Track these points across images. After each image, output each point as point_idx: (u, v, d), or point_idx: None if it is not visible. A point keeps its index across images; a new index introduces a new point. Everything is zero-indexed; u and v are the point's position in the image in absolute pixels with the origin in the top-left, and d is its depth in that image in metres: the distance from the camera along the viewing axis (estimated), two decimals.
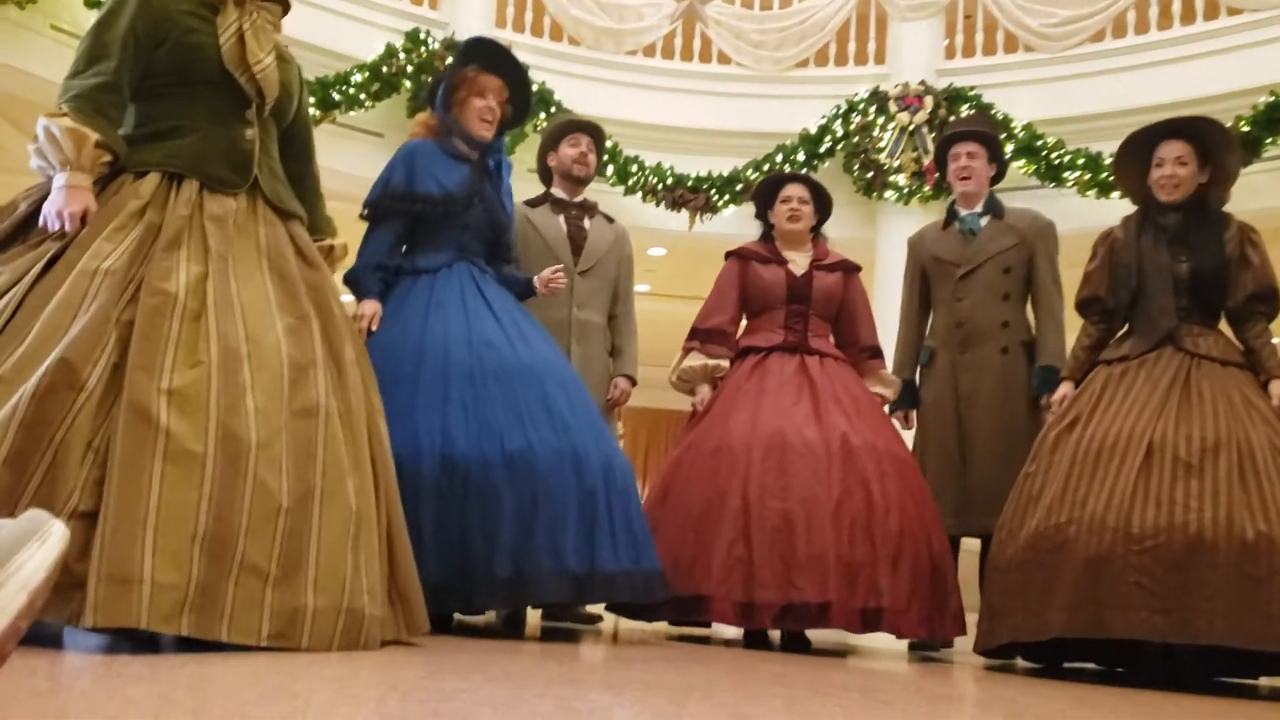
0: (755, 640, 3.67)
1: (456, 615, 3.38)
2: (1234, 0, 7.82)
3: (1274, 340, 3.43)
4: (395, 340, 3.23)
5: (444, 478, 3.00)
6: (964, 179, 4.25)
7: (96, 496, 2.04)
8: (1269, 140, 7.09)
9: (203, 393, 2.19)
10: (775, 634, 3.79)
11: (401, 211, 3.41)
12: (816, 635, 3.93)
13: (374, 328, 3.24)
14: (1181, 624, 2.90)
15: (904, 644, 4.15)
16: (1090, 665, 3.60)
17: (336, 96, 7.81)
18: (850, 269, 4.07)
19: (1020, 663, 3.65)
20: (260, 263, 2.51)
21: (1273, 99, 7.10)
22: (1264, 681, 3.47)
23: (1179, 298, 3.42)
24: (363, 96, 7.93)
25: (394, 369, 3.13)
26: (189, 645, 2.08)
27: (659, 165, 8.60)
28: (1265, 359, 3.35)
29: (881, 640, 4.32)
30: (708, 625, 4.12)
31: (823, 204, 4.09)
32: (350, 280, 3.39)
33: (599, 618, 4.28)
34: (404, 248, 3.49)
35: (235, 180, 2.54)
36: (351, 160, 7.31)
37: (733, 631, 4.13)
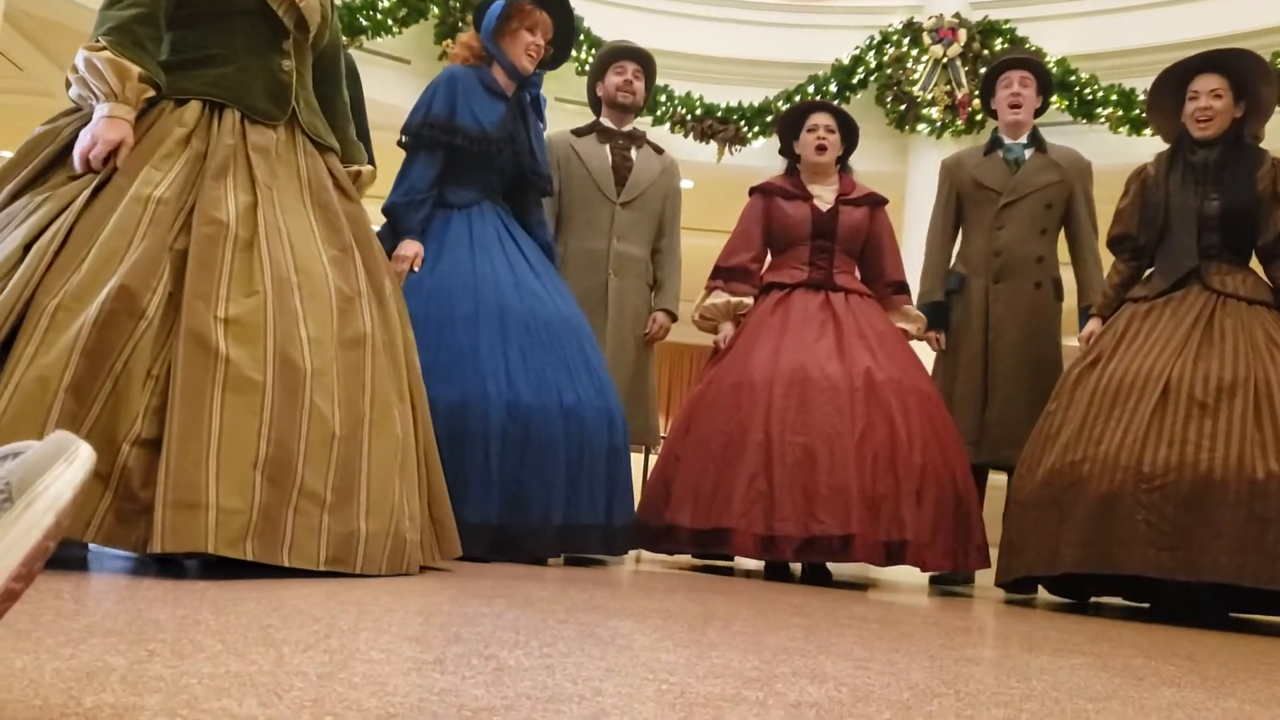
0: (776, 573, 3.71)
1: None
2: None
3: None
4: (446, 277, 3.27)
5: (510, 424, 3.09)
6: (1015, 107, 4.20)
7: (158, 424, 2.06)
8: None
9: (260, 321, 2.22)
10: (796, 567, 3.83)
11: (442, 143, 3.40)
12: (837, 569, 3.97)
13: (416, 268, 3.26)
14: (1187, 562, 2.92)
15: (925, 579, 4.18)
16: (1114, 600, 3.62)
17: (364, 22, 7.75)
18: (877, 202, 4.03)
19: (1043, 596, 3.68)
20: (302, 195, 2.52)
21: None
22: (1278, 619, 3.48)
23: (1209, 235, 3.40)
24: (390, 22, 7.86)
25: (450, 307, 3.19)
26: (211, 571, 2.13)
27: (688, 95, 8.50)
28: None
29: (903, 574, 4.36)
30: (729, 558, 4.17)
31: (850, 134, 4.04)
32: (391, 213, 3.39)
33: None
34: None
35: (275, 112, 2.54)
36: (377, 87, 7.25)
37: (754, 565, 4.17)
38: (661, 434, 4.76)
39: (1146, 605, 3.57)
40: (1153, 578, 3.19)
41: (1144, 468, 3.00)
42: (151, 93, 2.39)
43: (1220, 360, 3.12)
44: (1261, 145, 3.49)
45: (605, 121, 4.41)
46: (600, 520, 3.27)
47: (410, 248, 3.27)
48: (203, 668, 1.07)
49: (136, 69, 2.34)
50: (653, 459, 6.44)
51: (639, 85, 4.40)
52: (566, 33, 3.65)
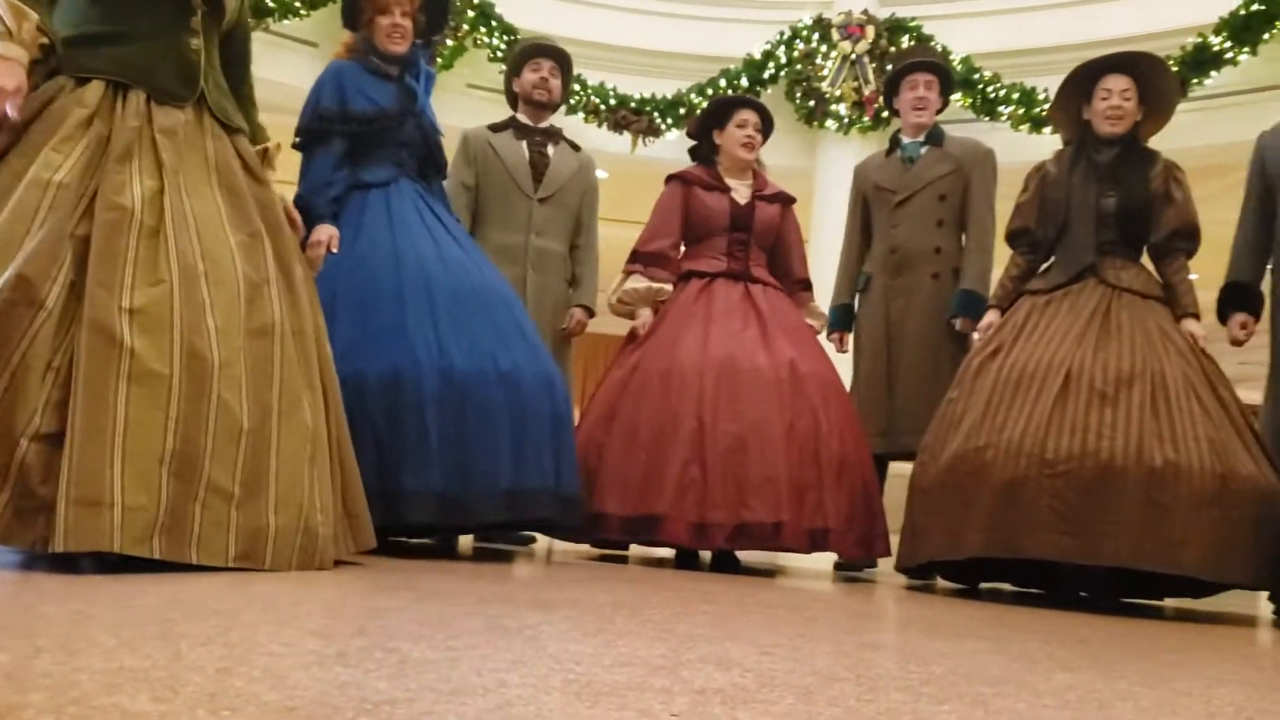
0: (685, 561, 3.74)
1: (390, 537, 3.40)
2: None
3: (1191, 277, 3.54)
4: (366, 255, 3.22)
5: (446, 391, 3.05)
6: (919, 109, 4.27)
7: (59, 418, 2.00)
8: (1195, 80, 7.20)
9: (165, 312, 2.16)
10: (706, 556, 3.85)
11: (338, 132, 3.36)
12: (745, 556, 4.01)
13: (334, 249, 3.21)
14: (1089, 546, 3.02)
15: (830, 565, 4.25)
16: (1007, 586, 3.72)
17: (270, 3, 7.58)
18: (787, 200, 4.09)
19: (940, 583, 3.76)
20: (210, 178, 2.46)
21: (1200, 40, 7.19)
22: (1169, 602, 3.61)
23: (1106, 231, 3.50)
24: (297, 4, 7.71)
25: (373, 284, 3.15)
26: (109, 567, 2.07)
27: (601, 85, 8.50)
28: (1182, 295, 3.47)
29: (809, 561, 4.42)
30: (658, 545, 4.18)
31: (767, 132, 4.08)
32: (300, 205, 3.34)
33: (533, 539, 4.33)
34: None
35: (183, 92, 2.46)
36: (285, 70, 7.14)
37: (665, 553, 4.19)
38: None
39: (1036, 591, 3.67)
40: (1048, 562, 3.29)
41: (1047, 454, 3.08)
42: (46, 41, 2.29)
43: (1119, 352, 3.23)
44: (1152, 147, 3.61)
45: (521, 118, 4.40)
46: (550, 484, 3.20)
47: (324, 232, 3.22)
48: (94, 663, 1.04)
49: (35, 16, 2.25)
50: None
51: (555, 83, 4.39)
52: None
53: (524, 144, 4.34)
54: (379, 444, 2.95)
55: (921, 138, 4.29)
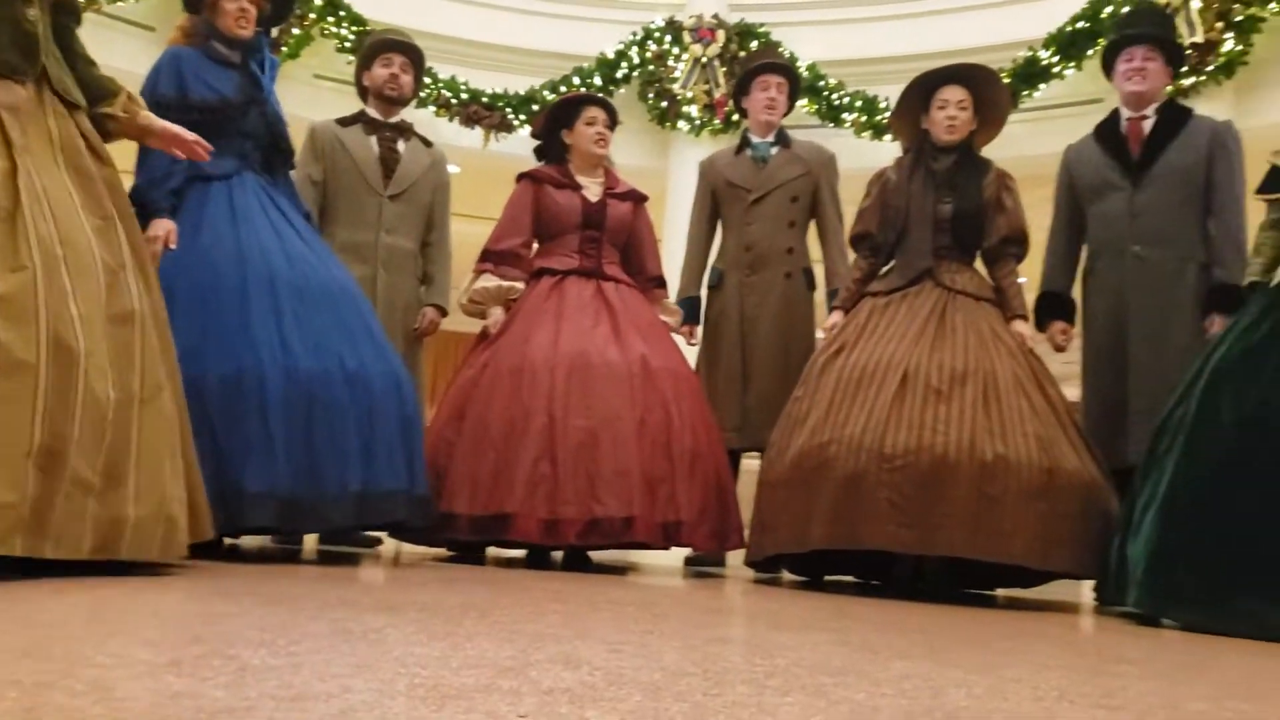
0: (536, 560, 3.73)
1: (226, 540, 3.29)
2: None
3: (1020, 280, 3.73)
4: (208, 250, 3.10)
5: (291, 391, 2.97)
6: (770, 109, 4.36)
7: None
8: (1026, 92, 7.55)
9: (29, 299, 2.05)
10: (557, 555, 3.85)
11: (177, 122, 3.23)
12: (597, 555, 4.02)
13: (172, 245, 3.07)
14: (925, 538, 3.15)
15: (680, 561, 4.30)
16: (850, 579, 3.83)
17: None
18: (639, 198, 4.11)
19: (787, 576, 3.85)
20: (56, 158, 2.33)
21: (1030, 54, 7.55)
22: (1001, 592, 3.78)
23: (941, 236, 3.66)
24: None
25: (215, 280, 3.04)
26: None
27: (453, 79, 8.40)
28: (1012, 297, 3.66)
29: (660, 557, 4.46)
30: (509, 545, 4.15)
31: (612, 129, 4.10)
32: (137, 199, 3.18)
33: (379, 540, 4.25)
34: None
35: (23, 66, 2.32)
36: (119, 55, 6.80)
37: (517, 554, 4.17)
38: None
39: (876, 582, 3.79)
40: (888, 554, 3.41)
41: (886, 449, 3.19)
42: None
43: (953, 351, 3.37)
44: (985, 156, 3.77)
45: (371, 112, 4.30)
46: (403, 486, 3.16)
47: (161, 226, 3.08)
48: None
49: None
50: None
51: (407, 79, 4.31)
52: None
53: (373, 139, 4.25)
54: (217, 446, 2.83)
55: (771, 138, 4.38)
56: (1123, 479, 3.35)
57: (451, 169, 4.63)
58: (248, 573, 2.57)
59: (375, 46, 4.35)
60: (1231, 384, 2.97)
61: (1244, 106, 6.68)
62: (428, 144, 4.41)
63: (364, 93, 4.36)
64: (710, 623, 2.17)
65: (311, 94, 7.65)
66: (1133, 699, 1.56)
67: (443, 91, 8.34)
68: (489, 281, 3.90)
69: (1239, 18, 6.86)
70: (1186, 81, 6.87)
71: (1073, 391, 3.85)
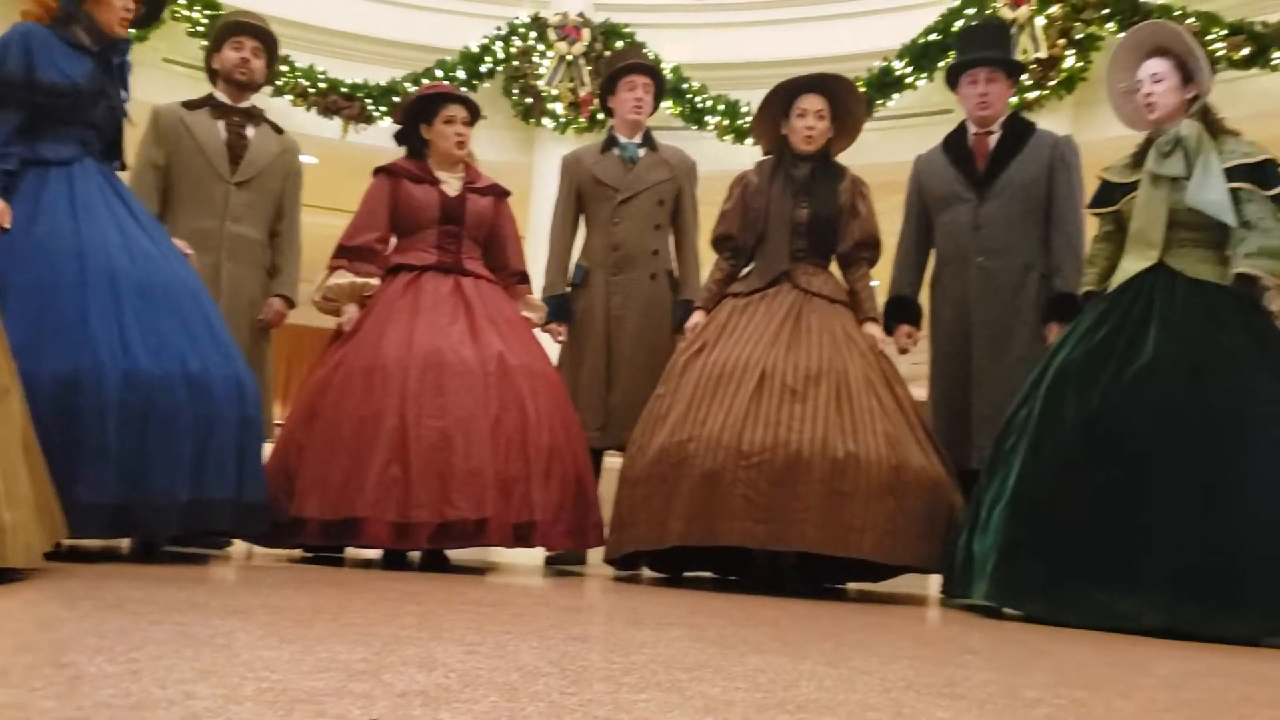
0: (394, 561, 3.66)
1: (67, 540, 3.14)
2: None
3: (873, 283, 3.85)
4: (45, 241, 2.95)
5: (129, 395, 2.85)
6: (637, 109, 4.37)
7: None
8: (880, 101, 7.78)
9: None
10: (415, 555, 3.79)
11: (18, 100, 3.06)
12: (456, 553, 3.98)
13: (6, 225, 2.91)
14: (779, 533, 3.23)
15: (541, 560, 4.29)
16: (708, 575, 3.88)
17: None
18: (501, 193, 4.07)
19: (646, 573, 3.88)
20: None
21: (885, 64, 7.78)
22: (852, 586, 3.88)
23: (798, 240, 3.75)
24: None
25: (52, 274, 2.89)
26: None
27: (311, 68, 8.19)
28: (864, 300, 3.78)
29: (520, 556, 4.44)
30: (362, 547, 4.07)
31: (473, 125, 4.05)
32: None
33: (229, 541, 4.11)
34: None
35: None
36: None
37: (373, 554, 4.09)
38: (277, 422, 4.55)
39: (733, 578, 3.86)
40: (745, 551, 3.48)
41: (743, 447, 3.26)
42: None
43: (808, 352, 3.46)
44: (841, 163, 3.87)
45: (220, 96, 4.16)
46: (231, 494, 3.06)
47: None
48: None
49: None
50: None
51: (258, 64, 4.18)
52: None
53: (221, 124, 4.10)
54: (49, 451, 2.68)
55: (638, 139, 4.41)
56: (967, 482, 3.48)
57: (309, 160, 4.52)
58: (90, 574, 2.45)
59: (226, 28, 4.21)
60: (1074, 385, 3.12)
61: (1083, 121, 7.01)
62: (278, 130, 4.29)
63: (213, 76, 4.22)
64: (568, 621, 2.17)
65: (162, 79, 7.34)
66: (974, 688, 1.63)
67: (300, 80, 8.12)
68: (343, 278, 3.81)
69: (1079, 35, 7.20)
70: (1030, 95, 7.17)
71: (920, 391, 4.00)
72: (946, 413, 3.96)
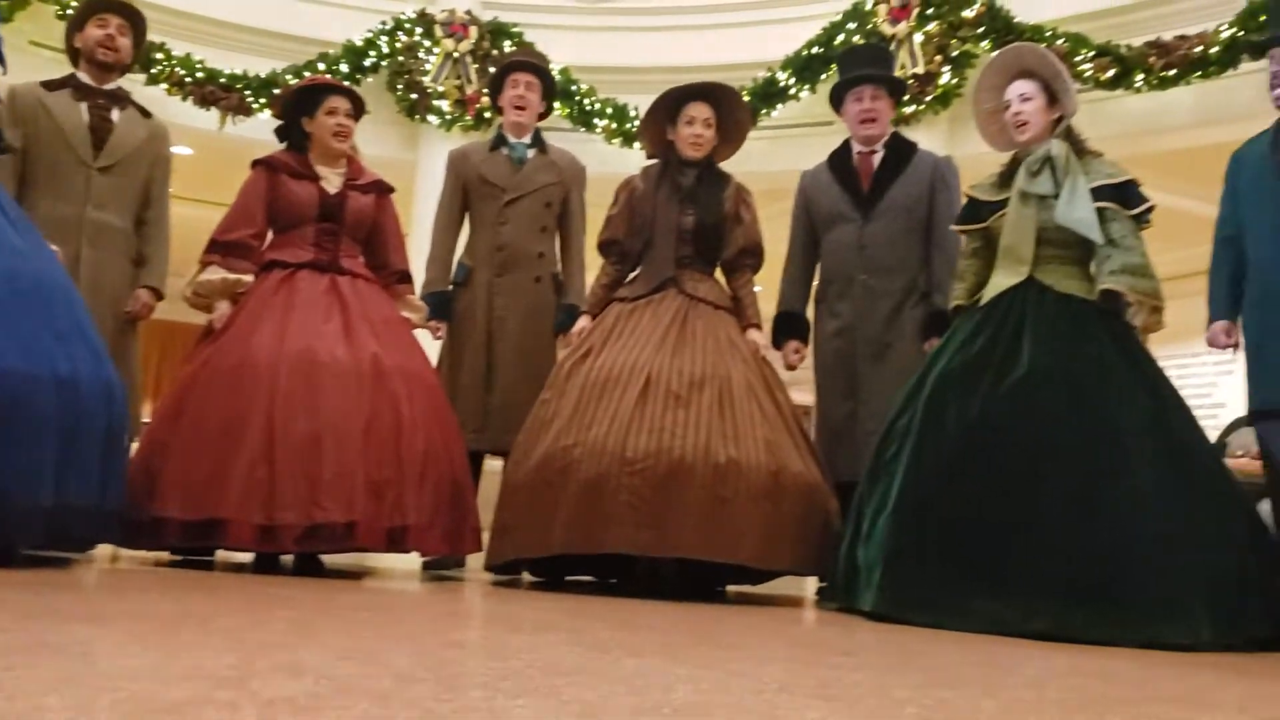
0: (265, 565, 3.57)
1: None
2: None
3: (756, 289, 3.90)
4: None
5: None
6: (520, 108, 4.34)
7: None
8: (764, 111, 7.91)
9: None
10: (288, 559, 3.70)
11: None
12: (333, 558, 3.90)
13: None
14: (662, 539, 3.25)
15: (418, 565, 4.23)
16: (589, 579, 3.88)
17: None
18: (384, 189, 3.99)
19: (526, 577, 3.86)
20: None
21: (769, 75, 7.91)
22: (731, 588, 3.92)
23: (684, 246, 3.78)
24: None
25: None
26: None
27: (188, 57, 7.94)
28: (747, 306, 3.83)
29: (398, 561, 4.37)
30: (229, 549, 3.95)
31: (360, 117, 3.98)
32: None
33: (93, 544, 3.95)
34: None
35: None
36: None
37: (245, 557, 3.98)
38: (146, 420, 4.40)
39: (614, 581, 3.86)
40: (627, 555, 3.48)
41: (627, 453, 3.27)
42: None
43: (692, 358, 3.49)
44: (725, 170, 3.91)
45: (82, 77, 3.99)
46: (95, 501, 2.95)
47: None
48: None
49: None
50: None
51: (124, 43, 4.02)
52: None
53: (83, 106, 3.93)
54: None
55: (527, 139, 4.38)
56: (850, 494, 3.53)
57: (184, 151, 4.38)
58: None
59: (90, 5, 4.03)
60: (954, 394, 3.20)
61: (957, 136, 7.22)
62: (146, 114, 4.13)
63: (75, 56, 4.04)
64: (445, 627, 2.14)
65: (29, 62, 7.02)
66: (846, 689, 1.66)
67: (177, 69, 7.87)
68: (215, 274, 3.69)
69: (955, 53, 7.43)
70: (908, 110, 7.36)
71: (801, 396, 4.07)
72: (832, 428, 4.04)
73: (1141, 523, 2.93)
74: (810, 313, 4.22)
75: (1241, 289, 3.42)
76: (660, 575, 3.66)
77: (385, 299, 3.83)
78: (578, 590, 3.48)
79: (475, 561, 4.05)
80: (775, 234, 4.09)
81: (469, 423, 4.04)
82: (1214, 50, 6.64)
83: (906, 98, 7.23)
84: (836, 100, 4.20)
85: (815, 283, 4.23)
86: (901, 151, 4.11)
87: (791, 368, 4.11)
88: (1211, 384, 9.72)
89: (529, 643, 1.91)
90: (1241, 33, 6.50)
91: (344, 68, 8.16)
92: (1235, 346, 3.41)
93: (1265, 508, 3.68)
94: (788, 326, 4.15)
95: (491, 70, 4.87)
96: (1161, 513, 2.94)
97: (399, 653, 1.65)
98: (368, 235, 3.91)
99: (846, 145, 4.17)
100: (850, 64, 4.33)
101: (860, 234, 4.02)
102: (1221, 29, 6.60)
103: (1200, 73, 6.76)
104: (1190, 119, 7.11)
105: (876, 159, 4.09)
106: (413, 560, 4.22)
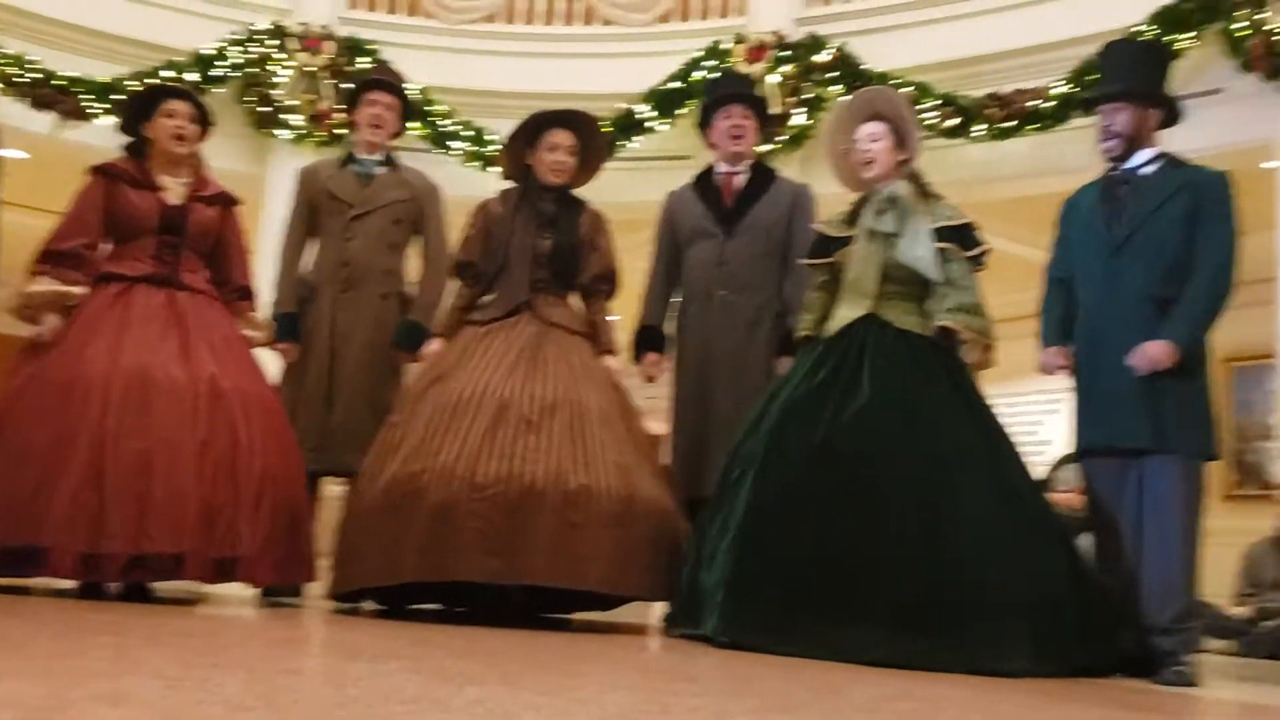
0: (90, 591, 3.39)
1: None
2: (607, 13, 8.73)
3: (613, 318, 3.93)
4: None
5: None
6: (375, 126, 4.28)
7: None
8: (622, 142, 8.00)
9: None
10: (115, 584, 3.53)
11: None
12: (163, 584, 3.73)
13: None
14: (511, 566, 3.21)
15: (256, 591, 4.08)
16: (434, 606, 3.81)
17: None
18: (229, 201, 3.86)
19: (368, 605, 3.76)
20: None
21: (628, 107, 8.00)
22: (578, 616, 3.91)
23: (540, 270, 3.77)
24: None
25: None
26: None
27: (20, 56, 7.57)
28: (602, 333, 3.85)
29: (234, 588, 4.21)
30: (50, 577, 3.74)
31: (207, 126, 3.85)
32: None
33: None
34: None
35: None
36: None
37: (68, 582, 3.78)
38: None
39: (460, 609, 3.80)
40: (473, 583, 3.43)
41: (477, 478, 3.22)
42: None
43: (544, 382, 3.48)
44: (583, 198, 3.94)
45: None
46: None
47: None
48: None
49: None
50: None
51: None
52: None
53: None
54: None
55: (378, 156, 4.32)
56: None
57: (17, 155, 4.16)
58: None
59: None
60: (798, 422, 3.29)
61: (808, 176, 7.38)
62: None
63: None
64: (280, 655, 2.08)
65: None
66: (686, 714, 1.67)
67: (8, 68, 7.49)
68: (45, 285, 3.49)
69: (808, 95, 7.66)
70: (762, 149, 7.54)
71: (655, 425, 4.11)
72: (687, 443, 4.10)
73: (969, 553, 3.05)
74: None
75: (1071, 326, 3.60)
76: (510, 602, 3.63)
77: (226, 317, 3.70)
78: (420, 618, 3.41)
79: (315, 588, 3.93)
80: (629, 265, 4.13)
81: (307, 440, 3.92)
82: (1048, 105, 7.01)
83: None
84: (705, 120, 4.30)
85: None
86: (764, 175, 4.27)
87: (649, 379, 4.15)
88: (1038, 422, 10.19)
89: (368, 670, 1.87)
90: (1075, 89, 6.88)
91: (193, 76, 7.89)
92: (1067, 368, 3.57)
93: (1086, 541, 3.88)
94: (647, 339, 4.21)
95: (347, 87, 4.77)
96: (988, 544, 3.08)
97: (230, 680, 1.59)
98: (210, 249, 3.78)
99: (711, 167, 4.29)
100: (721, 86, 4.48)
101: (721, 250, 4.12)
102: (1055, 85, 6.98)
103: (1035, 125, 7.13)
104: (1025, 169, 7.48)
105: (740, 179, 4.21)
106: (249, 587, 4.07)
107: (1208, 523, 3.45)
